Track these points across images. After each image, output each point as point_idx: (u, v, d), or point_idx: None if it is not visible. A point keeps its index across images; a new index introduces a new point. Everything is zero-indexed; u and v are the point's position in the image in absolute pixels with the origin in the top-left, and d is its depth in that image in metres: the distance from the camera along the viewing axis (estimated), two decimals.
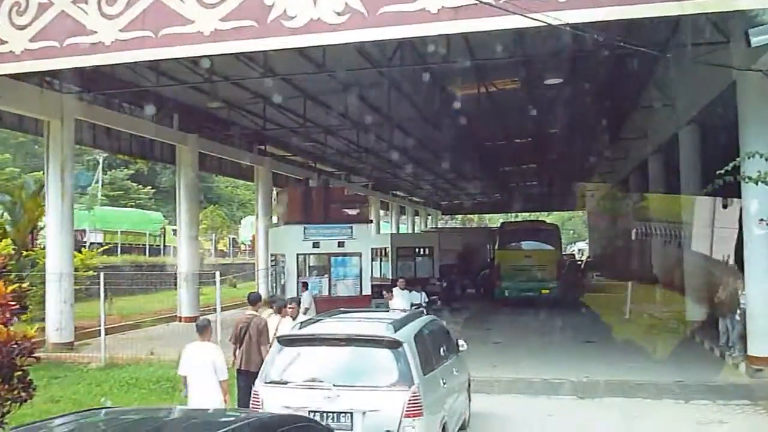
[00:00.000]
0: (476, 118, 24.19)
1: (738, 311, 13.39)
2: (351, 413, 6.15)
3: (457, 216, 73.45)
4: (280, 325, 9.08)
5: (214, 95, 15.44)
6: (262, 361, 7.83)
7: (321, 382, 6.29)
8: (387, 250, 26.44)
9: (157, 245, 41.60)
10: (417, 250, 27.06)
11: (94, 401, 9.52)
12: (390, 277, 25.97)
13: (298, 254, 15.69)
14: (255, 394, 6.47)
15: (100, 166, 52.81)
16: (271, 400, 6.33)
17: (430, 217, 59.27)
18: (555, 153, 32.29)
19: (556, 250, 26.10)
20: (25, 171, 43.90)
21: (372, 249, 31.01)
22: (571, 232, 78.13)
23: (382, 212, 50.81)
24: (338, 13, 10.94)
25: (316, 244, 15.57)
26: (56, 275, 15.34)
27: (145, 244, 39.69)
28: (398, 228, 47.53)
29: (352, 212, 16.00)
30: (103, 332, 14.28)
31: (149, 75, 15.40)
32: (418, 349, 6.66)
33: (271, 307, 10.26)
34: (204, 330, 7.43)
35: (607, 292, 25.14)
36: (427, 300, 16.65)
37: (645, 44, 12.45)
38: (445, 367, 7.70)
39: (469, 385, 9.42)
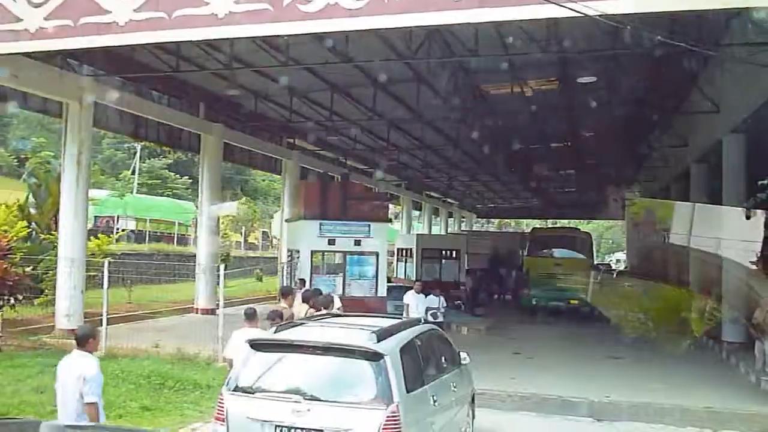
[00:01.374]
0: (512, 119, 23.45)
1: None
2: (321, 431, 5.55)
3: (493, 220, 72.40)
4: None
5: (233, 82, 14.99)
6: None
7: (291, 393, 5.67)
8: (412, 250, 25.85)
9: (189, 235, 41.63)
10: (443, 252, 26.32)
11: None
12: (414, 279, 25.43)
13: (312, 251, 15.15)
14: (219, 402, 5.90)
15: (138, 155, 53.29)
16: (235, 410, 5.75)
17: (464, 220, 58.37)
18: (593, 159, 31.24)
19: (588, 259, 25.10)
20: (60, 156, 44.50)
21: (398, 249, 30.73)
22: (610, 241, 76.42)
23: (416, 213, 50.23)
24: None
25: (331, 241, 14.99)
26: (68, 261, 15.07)
27: (175, 233, 39.70)
28: (431, 229, 46.78)
29: (371, 210, 15.35)
30: (104, 321, 13.97)
31: (170, 60, 15.04)
32: (405, 363, 6.01)
33: (306, 302, 10.41)
34: (252, 317, 7.86)
35: None
36: (446, 305, 15.97)
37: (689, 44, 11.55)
38: (441, 382, 7.02)
39: (473, 400, 8.74)
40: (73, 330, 15.12)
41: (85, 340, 6.07)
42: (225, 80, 17.23)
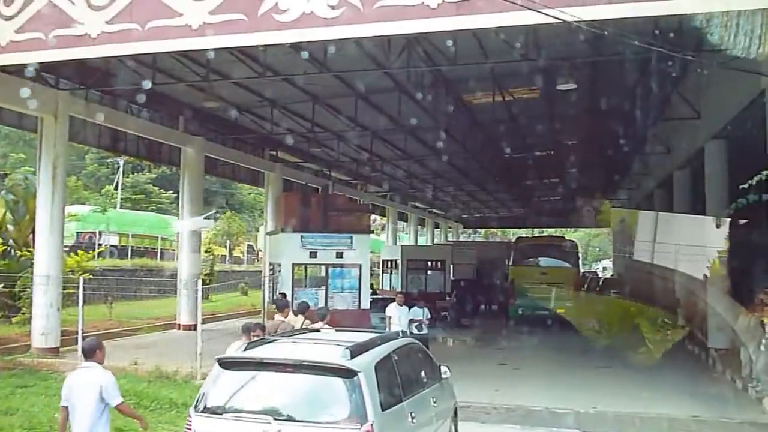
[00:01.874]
0: (495, 129, 23.38)
1: (763, 341, 12.29)
2: None
3: (480, 230, 72.33)
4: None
5: (212, 94, 14.80)
6: None
7: (261, 414, 5.42)
8: (398, 262, 25.66)
9: (173, 249, 41.17)
10: (428, 263, 26.15)
11: (50, 415, 8.82)
12: (399, 290, 25.22)
13: (294, 264, 14.91)
14: (187, 425, 5.66)
15: (121, 169, 52.87)
16: None
17: (451, 231, 58.27)
18: (577, 167, 31.22)
19: (574, 268, 25.00)
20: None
21: (384, 261, 30.52)
22: (597, 249, 76.55)
23: (404, 224, 50.08)
24: (332, 7, 10.24)
25: (313, 254, 14.76)
26: (44, 278, 14.75)
27: (158, 248, 39.25)
28: (416, 240, 46.61)
29: (353, 221, 15.14)
30: (79, 340, 13.63)
31: (146, 72, 14.82)
32: (380, 379, 5.80)
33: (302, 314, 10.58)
34: (247, 331, 7.91)
35: None
36: (429, 316, 15.75)
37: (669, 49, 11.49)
38: (420, 397, 6.81)
39: (456, 413, 8.53)
40: (49, 349, 14.97)
41: (92, 351, 6.16)
42: (203, 92, 17.04)
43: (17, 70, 14.68)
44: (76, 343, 13.57)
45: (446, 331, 20.94)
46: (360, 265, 14.98)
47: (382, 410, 5.61)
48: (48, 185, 15.05)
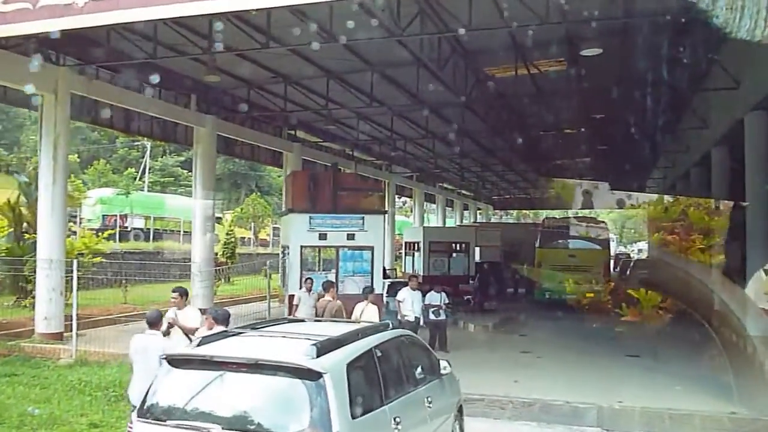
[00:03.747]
0: (521, 104, 22.29)
1: None
2: None
3: (511, 212, 70.90)
4: (365, 311, 10.98)
5: (212, 67, 14.04)
6: None
7: (208, 422, 4.64)
8: (419, 244, 24.82)
9: None
10: (452, 245, 25.22)
11: (21, 409, 8.24)
12: (422, 274, 24.38)
13: (302, 246, 14.14)
14: (128, 430, 4.94)
15: (148, 152, 52.84)
16: None
17: (481, 212, 57.13)
18: (610, 146, 29.86)
19: (604, 250, 23.84)
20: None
21: (406, 243, 29.65)
22: (632, 231, 74.59)
23: (431, 206, 49.12)
24: None
25: (322, 236, 13.96)
26: (46, 262, 14.27)
27: (181, 231, 38.94)
28: (444, 222, 45.62)
29: (365, 200, 14.28)
30: (74, 326, 13.17)
31: (149, 47, 14.15)
32: (354, 381, 5.00)
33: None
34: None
35: None
36: (447, 301, 14.93)
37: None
38: (411, 398, 5.99)
39: (461, 411, 7.70)
40: (52, 334, 14.52)
41: (155, 322, 7.62)
42: (211, 68, 16.34)
43: (15, 45, 14.23)
44: (89, 328, 13.06)
45: (468, 315, 20.09)
46: (373, 248, 14.15)
47: (355, 417, 4.78)
48: (49, 166, 14.51)
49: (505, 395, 10.93)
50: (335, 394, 4.65)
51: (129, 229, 40.45)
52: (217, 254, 31.49)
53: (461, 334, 17.50)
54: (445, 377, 7.03)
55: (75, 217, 40.48)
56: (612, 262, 28.43)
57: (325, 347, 5.00)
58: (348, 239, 14.01)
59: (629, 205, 49.07)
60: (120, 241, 37.81)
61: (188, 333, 8.21)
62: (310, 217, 13.90)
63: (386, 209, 15.22)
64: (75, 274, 13.25)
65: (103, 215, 39.52)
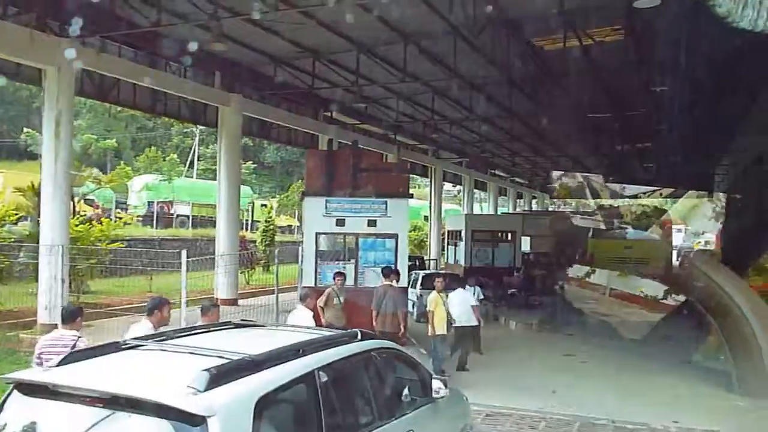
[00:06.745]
0: (573, 81, 20.29)
1: None
2: None
3: (570, 201, 68.10)
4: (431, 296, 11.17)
5: (218, 34, 12.74)
6: (398, 323, 10.81)
7: None
8: (462, 233, 23.17)
9: (244, 219, 40.19)
10: (496, 234, 23.47)
11: None
12: (464, 264, 22.77)
13: (317, 233, 12.76)
14: None
15: (197, 138, 52.55)
16: None
17: (536, 201, 54.83)
18: (675, 127, 27.42)
19: (665, 242, 21.68)
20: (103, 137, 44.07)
21: (449, 232, 28.01)
22: (699, 221, 70.73)
23: (482, 194, 47.24)
24: None
25: (340, 222, 12.55)
26: (47, 248, 13.34)
27: None
28: (497, 211, 43.67)
29: (388, 183, 12.71)
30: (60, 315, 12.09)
31: (151, 13, 12.99)
32: (270, 423, 3.55)
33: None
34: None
35: None
36: (482, 297, 13.33)
37: None
38: None
39: None
40: (53, 325, 13.54)
41: (154, 308, 6.48)
42: (246, 47, 15.16)
43: (14, 14, 13.31)
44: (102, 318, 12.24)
45: (511, 311, 18.39)
46: (397, 235, 12.65)
47: None
48: (51, 145, 13.55)
49: (539, 410, 9.33)
50: None
51: (175, 215, 40.21)
52: (255, 242, 30.68)
53: (500, 333, 15.91)
54: (441, 401, 5.47)
55: (124, 203, 40.50)
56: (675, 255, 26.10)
57: (223, 374, 3.49)
58: (369, 226, 12.55)
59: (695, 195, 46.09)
60: (165, 227, 37.53)
61: None
62: (327, 201, 12.48)
63: (411, 193, 13.60)
64: (61, 260, 12.29)
65: (148, 202, 39.29)
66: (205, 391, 3.33)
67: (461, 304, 12.02)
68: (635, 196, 48.62)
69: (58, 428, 3.48)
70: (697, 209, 68.06)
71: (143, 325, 6.46)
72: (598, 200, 63.47)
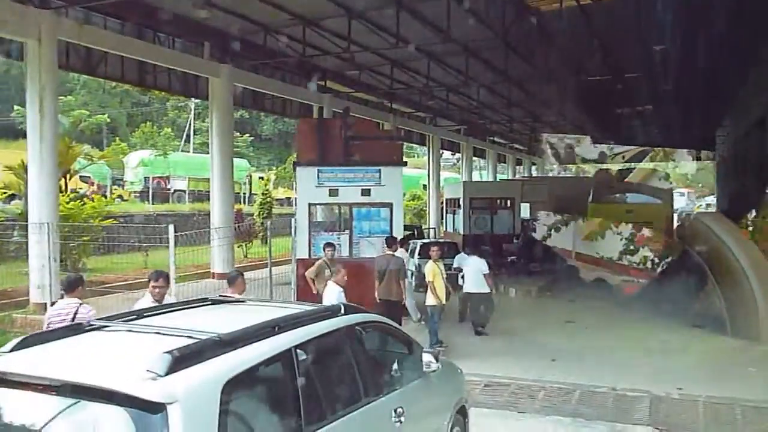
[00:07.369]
0: (571, 44, 19.83)
1: None
2: None
3: (569, 167, 67.64)
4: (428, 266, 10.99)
5: (204, 1, 12.28)
6: (401, 292, 10.82)
7: None
8: (460, 201, 22.86)
9: (242, 193, 39.90)
10: (495, 201, 23.17)
11: None
12: (462, 233, 22.52)
13: (310, 204, 12.48)
14: None
15: (192, 112, 52.01)
16: None
17: (536, 167, 54.44)
18: (674, 90, 26.95)
19: (665, 205, 21.36)
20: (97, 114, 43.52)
21: (447, 200, 27.70)
22: (700, 185, 70.37)
23: (482, 161, 46.84)
24: None
25: (333, 192, 12.26)
26: (36, 226, 13.07)
27: None
28: (495, 178, 43.32)
29: (381, 151, 12.38)
30: (50, 295, 11.97)
31: None
32: (239, 408, 3.28)
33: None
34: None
35: None
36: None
37: None
38: (362, 416, 4.21)
39: (464, 412, 5.97)
40: (45, 304, 13.38)
41: (158, 277, 6.57)
42: (236, 15, 14.70)
43: None
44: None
45: (511, 279, 18.18)
46: (391, 204, 12.37)
47: None
48: (35, 121, 13.19)
49: (538, 379, 9.14)
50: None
51: (172, 190, 39.89)
52: (252, 215, 30.44)
53: (500, 301, 15.66)
54: (433, 375, 5.24)
55: (120, 179, 40.16)
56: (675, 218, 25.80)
57: (187, 356, 3.18)
58: (363, 195, 12.26)
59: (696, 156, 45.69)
60: (162, 202, 37.23)
61: None
62: (319, 171, 12.17)
63: (405, 161, 13.28)
64: (49, 237, 12.10)
65: (145, 177, 38.95)
66: (165, 375, 3.06)
67: (474, 273, 12.09)
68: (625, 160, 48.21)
69: (10, 419, 3.22)
70: (694, 175, 67.77)
71: (147, 299, 6.51)
72: (599, 164, 63.05)
